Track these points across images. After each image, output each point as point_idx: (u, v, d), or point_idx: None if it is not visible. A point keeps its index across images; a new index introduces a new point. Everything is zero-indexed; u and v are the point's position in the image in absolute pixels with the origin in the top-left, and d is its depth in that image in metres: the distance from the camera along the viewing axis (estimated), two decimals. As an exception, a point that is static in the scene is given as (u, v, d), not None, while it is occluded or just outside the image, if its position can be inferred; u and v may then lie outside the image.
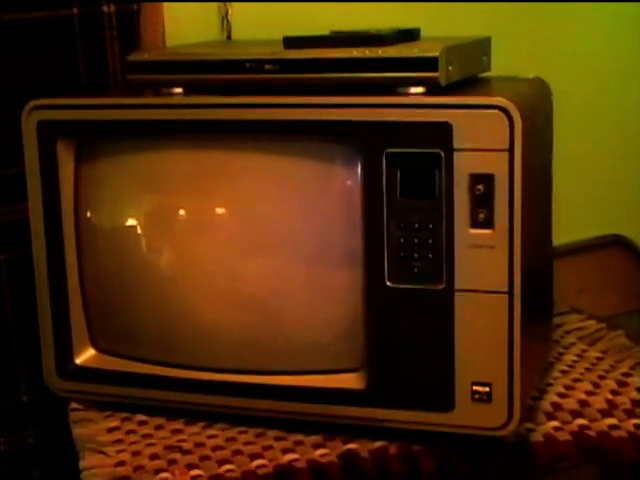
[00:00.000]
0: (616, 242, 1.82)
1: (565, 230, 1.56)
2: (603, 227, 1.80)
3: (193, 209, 1.18)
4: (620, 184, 1.78)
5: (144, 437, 1.17)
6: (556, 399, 1.19)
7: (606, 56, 1.74)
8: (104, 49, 1.38)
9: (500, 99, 1.02)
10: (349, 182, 1.10)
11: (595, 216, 1.79)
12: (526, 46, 1.63)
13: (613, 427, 1.14)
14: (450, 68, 1.08)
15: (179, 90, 1.16)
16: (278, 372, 1.16)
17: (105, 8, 1.37)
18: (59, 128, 1.18)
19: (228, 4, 1.47)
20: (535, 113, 1.12)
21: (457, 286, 1.06)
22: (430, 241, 1.06)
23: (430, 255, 1.07)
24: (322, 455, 1.11)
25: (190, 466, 1.10)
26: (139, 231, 1.20)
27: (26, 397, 1.42)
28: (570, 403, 1.18)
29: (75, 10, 1.36)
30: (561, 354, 1.32)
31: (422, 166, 1.05)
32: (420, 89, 1.07)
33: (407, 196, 1.06)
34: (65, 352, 1.23)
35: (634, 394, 1.20)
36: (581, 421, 1.15)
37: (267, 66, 1.11)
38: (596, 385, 1.23)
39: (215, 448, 1.13)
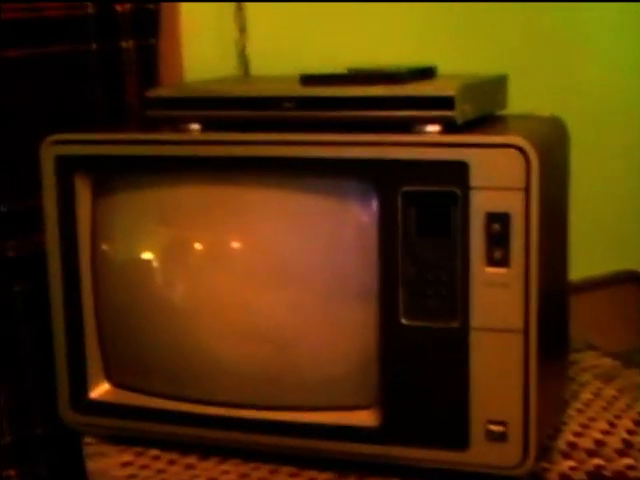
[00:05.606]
0: (631, 278, 1.82)
1: (580, 266, 1.55)
2: (618, 263, 1.80)
3: (208, 243, 1.18)
4: (636, 221, 1.78)
5: (158, 472, 1.17)
6: (572, 438, 1.19)
7: (622, 94, 1.74)
8: (122, 84, 1.39)
9: (516, 138, 1.03)
10: (365, 219, 1.10)
11: (610, 252, 1.79)
12: (543, 84, 1.63)
13: (630, 467, 1.13)
14: (466, 106, 1.08)
15: (196, 126, 1.16)
16: (292, 408, 1.15)
17: (124, 43, 1.38)
18: (77, 163, 1.19)
19: (245, 39, 1.48)
20: (551, 152, 1.12)
21: (472, 324, 1.06)
22: (445, 279, 1.06)
23: (445, 293, 1.06)
24: (336, 493, 1.11)
25: (203, 502, 1.10)
26: (154, 265, 1.20)
27: (40, 430, 1.41)
28: (586, 442, 1.18)
29: (94, 45, 1.37)
30: (577, 392, 1.32)
31: (438, 204, 1.05)
32: (436, 127, 1.07)
33: (423, 234, 1.06)
34: (80, 386, 1.23)
35: (650, 434, 1.20)
36: (597, 461, 1.14)
37: (285, 103, 1.12)
38: (612, 424, 1.22)
39: (228, 484, 1.13)
